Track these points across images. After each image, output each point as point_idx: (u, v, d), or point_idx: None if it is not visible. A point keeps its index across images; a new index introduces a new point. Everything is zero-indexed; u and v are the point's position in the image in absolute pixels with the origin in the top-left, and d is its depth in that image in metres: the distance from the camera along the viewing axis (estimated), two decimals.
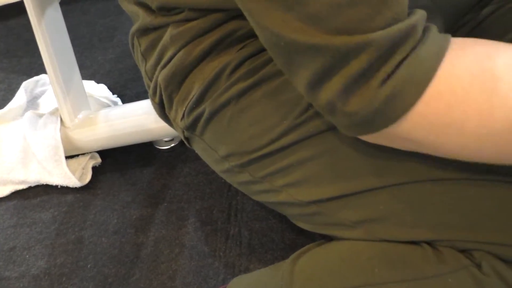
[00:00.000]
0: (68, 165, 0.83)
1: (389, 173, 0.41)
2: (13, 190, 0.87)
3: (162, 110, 0.54)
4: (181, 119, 0.50)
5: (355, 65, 0.30)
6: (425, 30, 0.32)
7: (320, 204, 0.45)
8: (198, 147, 0.54)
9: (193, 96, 0.48)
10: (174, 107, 0.51)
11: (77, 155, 0.87)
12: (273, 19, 0.32)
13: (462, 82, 0.30)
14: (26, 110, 0.99)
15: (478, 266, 0.39)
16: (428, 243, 0.42)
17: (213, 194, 0.79)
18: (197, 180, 0.82)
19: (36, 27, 0.79)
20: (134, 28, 0.52)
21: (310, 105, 0.43)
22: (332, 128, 0.42)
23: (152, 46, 0.50)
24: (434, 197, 0.40)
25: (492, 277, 0.38)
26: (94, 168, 0.88)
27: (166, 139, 0.88)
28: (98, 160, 0.88)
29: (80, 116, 0.85)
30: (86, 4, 1.38)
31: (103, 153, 0.90)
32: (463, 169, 0.40)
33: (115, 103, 0.98)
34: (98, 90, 0.99)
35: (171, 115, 0.53)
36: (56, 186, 0.86)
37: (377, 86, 0.31)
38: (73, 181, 0.83)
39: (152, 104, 0.55)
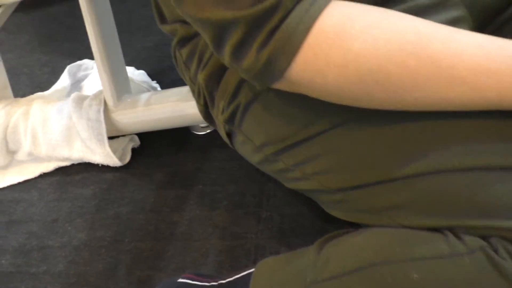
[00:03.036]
0: (109, 146, 0.87)
1: (409, 164, 0.44)
2: (56, 166, 0.92)
3: (207, 111, 0.59)
4: (222, 113, 0.55)
5: (235, 37, 0.39)
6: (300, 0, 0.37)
7: (346, 192, 0.48)
8: (237, 142, 0.58)
9: (230, 90, 0.52)
10: (216, 104, 0.55)
11: (118, 136, 0.92)
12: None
13: (326, 39, 0.37)
14: (69, 92, 1.05)
15: (495, 251, 0.41)
16: (450, 230, 0.43)
17: (246, 179, 0.82)
18: (231, 165, 0.85)
19: (86, 13, 0.83)
20: (174, 42, 0.58)
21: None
22: (355, 120, 0.46)
23: (192, 54, 0.55)
24: (451, 185, 0.43)
25: (508, 260, 0.40)
26: (132, 150, 0.92)
27: (202, 125, 0.92)
28: (137, 142, 0.92)
29: (122, 99, 0.89)
30: None
31: (141, 135, 0.94)
32: (478, 158, 0.42)
33: (155, 89, 1.02)
34: (138, 76, 1.04)
35: (214, 113, 0.57)
36: (97, 164, 0.90)
37: (256, 53, 0.38)
38: (114, 161, 0.87)
39: (198, 107, 0.60)
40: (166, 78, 1.08)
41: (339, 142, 0.47)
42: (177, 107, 0.86)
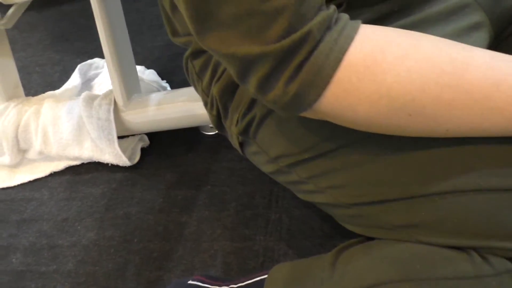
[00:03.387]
0: (119, 145, 0.88)
1: (432, 182, 0.42)
2: (67, 165, 0.93)
3: (219, 121, 0.58)
4: (236, 124, 0.54)
5: (261, 70, 0.37)
6: (329, 28, 0.36)
7: (361, 207, 0.47)
8: (250, 151, 0.57)
9: (245, 102, 0.51)
10: (229, 116, 0.55)
11: (127, 136, 0.92)
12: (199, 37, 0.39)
13: (357, 72, 0.36)
14: (80, 91, 1.05)
15: None
16: (474, 249, 0.42)
17: (255, 180, 0.82)
18: (240, 166, 0.85)
19: (97, 12, 0.83)
20: (187, 53, 0.57)
21: None
22: (375, 137, 0.44)
23: (205, 66, 0.54)
24: (475, 206, 0.41)
25: None
26: (142, 149, 0.92)
27: (211, 125, 0.91)
28: (146, 141, 0.92)
29: (132, 99, 0.89)
30: None
31: (150, 135, 0.94)
32: (505, 179, 0.40)
33: (164, 88, 1.02)
34: (148, 75, 1.04)
35: (227, 124, 0.56)
36: (107, 164, 0.91)
37: (284, 86, 0.37)
38: (123, 160, 0.87)
39: (210, 117, 0.59)
40: (176, 77, 1.08)
41: (357, 157, 0.46)
42: (187, 107, 0.86)
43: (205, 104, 0.59)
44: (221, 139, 0.91)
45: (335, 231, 0.71)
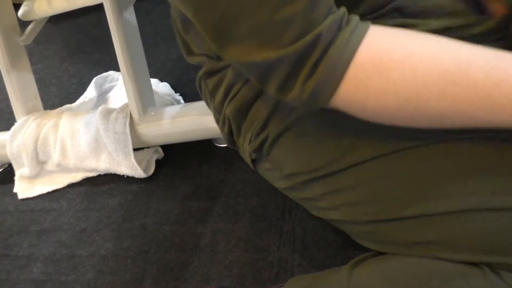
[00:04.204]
0: (134, 157, 0.90)
1: (447, 200, 0.44)
2: (84, 177, 0.95)
3: (231, 139, 0.60)
4: (249, 143, 0.56)
5: (279, 74, 0.40)
6: (340, 29, 0.39)
7: (375, 224, 0.48)
8: (262, 168, 0.59)
9: (258, 122, 0.53)
10: (242, 134, 0.57)
11: (142, 148, 0.94)
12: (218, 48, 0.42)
13: (365, 70, 0.38)
14: (96, 103, 1.08)
15: None
16: (487, 264, 0.43)
17: (269, 191, 0.83)
18: (254, 177, 0.86)
19: (113, 28, 0.86)
20: (201, 72, 0.59)
21: (362, 132, 0.47)
22: (388, 154, 0.46)
23: (218, 86, 0.57)
24: (489, 224, 0.43)
25: None
26: (157, 161, 0.94)
27: None
28: (161, 154, 0.95)
29: (147, 112, 0.91)
30: (150, 4, 1.45)
31: (165, 147, 0.96)
32: None
33: (178, 101, 1.04)
34: (162, 88, 1.06)
35: (239, 142, 0.58)
36: (123, 175, 0.93)
37: (301, 85, 0.40)
38: (139, 172, 0.89)
39: (222, 134, 0.61)
40: (189, 90, 1.10)
41: (371, 175, 0.47)
42: (200, 120, 0.88)
43: (217, 121, 0.61)
44: (234, 151, 0.92)
45: (349, 242, 0.71)
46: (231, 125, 0.57)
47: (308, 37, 0.38)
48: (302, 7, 0.37)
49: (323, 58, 0.38)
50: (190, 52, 0.59)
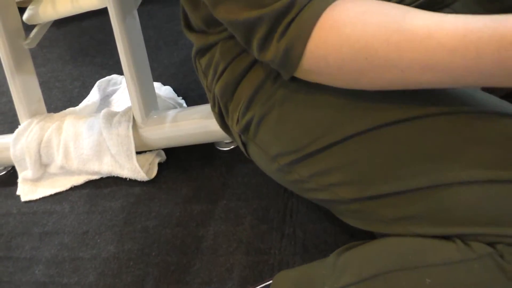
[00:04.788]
0: (136, 160, 0.90)
1: (422, 177, 0.46)
2: (87, 180, 0.96)
3: (222, 120, 0.62)
4: (236, 123, 0.57)
5: (260, 32, 0.45)
6: None
7: (361, 202, 0.51)
8: (253, 152, 0.60)
9: (244, 102, 0.55)
10: (230, 115, 0.58)
11: (145, 152, 0.95)
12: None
13: (325, 29, 0.43)
14: (99, 107, 1.09)
15: (501, 256, 0.43)
16: (459, 237, 0.46)
17: (270, 194, 0.84)
18: (255, 180, 0.87)
19: (117, 32, 0.86)
20: (193, 51, 0.61)
21: (342, 110, 0.49)
22: (366, 132, 0.48)
23: (209, 64, 0.59)
24: (460, 197, 0.45)
25: None
26: (159, 165, 0.95)
27: (226, 141, 0.94)
28: (163, 157, 0.95)
29: (150, 116, 0.92)
30: (153, 8, 1.47)
31: (167, 151, 0.97)
32: (484, 172, 0.44)
33: (180, 105, 1.05)
34: (165, 91, 1.07)
35: (229, 122, 0.60)
36: (125, 178, 0.93)
37: (276, 43, 0.44)
38: (141, 175, 0.90)
39: (214, 115, 0.63)
40: (191, 93, 1.11)
41: (352, 154, 0.50)
42: (202, 124, 0.89)
43: (209, 99, 0.63)
44: (235, 155, 0.94)
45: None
46: (220, 104, 0.58)
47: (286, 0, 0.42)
48: None
49: (295, 19, 0.42)
50: (190, 27, 0.62)
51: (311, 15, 0.42)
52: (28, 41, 0.96)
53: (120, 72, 1.20)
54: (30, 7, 0.94)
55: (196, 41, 0.60)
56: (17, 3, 0.96)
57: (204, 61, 0.60)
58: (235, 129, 0.58)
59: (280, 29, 0.43)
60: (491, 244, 0.44)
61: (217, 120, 0.63)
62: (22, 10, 0.95)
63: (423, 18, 0.40)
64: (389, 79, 0.43)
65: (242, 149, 0.62)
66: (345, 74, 0.44)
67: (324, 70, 0.44)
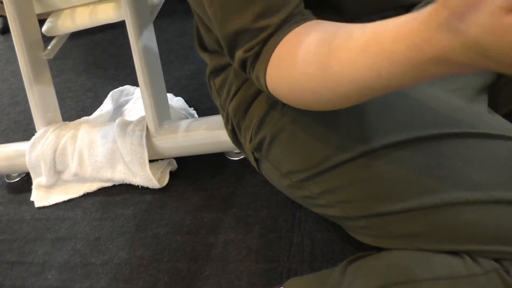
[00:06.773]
0: (149, 168, 0.93)
1: (426, 197, 0.48)
2: (99, 187, 0.98)
3: (235, 136, 0.64)
4: (249, 142, 0.59)
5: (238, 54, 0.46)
6: (285, 22, 0.43)
7: (368, 219, 0.52)
8: (265, 168, 0.62)
9: (256, 122, 0.57)
10: (243, 133, 0.60)
11: (157, 160, 0.97)
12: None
13: (283, 61, 0.43)
14: (112, 116, 1.11)
15: (507, 272, 0.45)
16: (466, 252, 0.48)
17: (279, 204, 0.86)
18: (264, 190, 0.89)
19: (134, 45, 0.90)
20: (208, 71, 0.64)
21: (351, 130, 0.51)
22: (373, 153, 0.49)
23: (223, 84, 0.61)
24: (464, 216, 0.47)
25: None
26: (170, 173, 0.97)
27: (236, 151, 0.96)
28: (175, 165, 0.98)
29: (163, 125, 0.95)
30: (165, 23, 1.51)
31: (179, 160, 0.99)
32: (488, 193, 0.46)
33: (192, 115, 1.07)
34: (177, 102, 1.10)
35: (242, 140, 0.62)
36: (137, 186, 0.96)
37: (250, 73, 0.46)
38: (153, 183, 0.92)
39: (227, 131, 0.65)
40: (202, 105, 1.14)
41: (359, 173, 0.51)
42: (213, 134, 0.91)
43: (223, 117, 0.65)
44: (245, 165, 0.96)
45: (356, 253, 0.73)
46: (233, 122, 0.61)
47: (264, 22, 0.43)
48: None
49: (267, 43, 0.44)
50: (203, 47, 0.63)
51: (271, 45, 0.43)
52: (46, 52, 1.00)
53: (131, 84, 1.23)
54: (49, 20, 0.98)
55: (210, 61, 0.62)
56: (37, 15, 1.00)
57: (218, 81, 0.62)
58: (249, 147, 0.60)
59: (250, 59, 0.45)
60: (497, 260, 0.46)
61: (230, 136, 0.65)
62: (41, 23, 0.99)
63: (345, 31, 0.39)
64: (332, 101, 0.42)
65: (254, 165, 0.64)
66: (305, 103, 0.44)
67: (288, 100, 0.45)
